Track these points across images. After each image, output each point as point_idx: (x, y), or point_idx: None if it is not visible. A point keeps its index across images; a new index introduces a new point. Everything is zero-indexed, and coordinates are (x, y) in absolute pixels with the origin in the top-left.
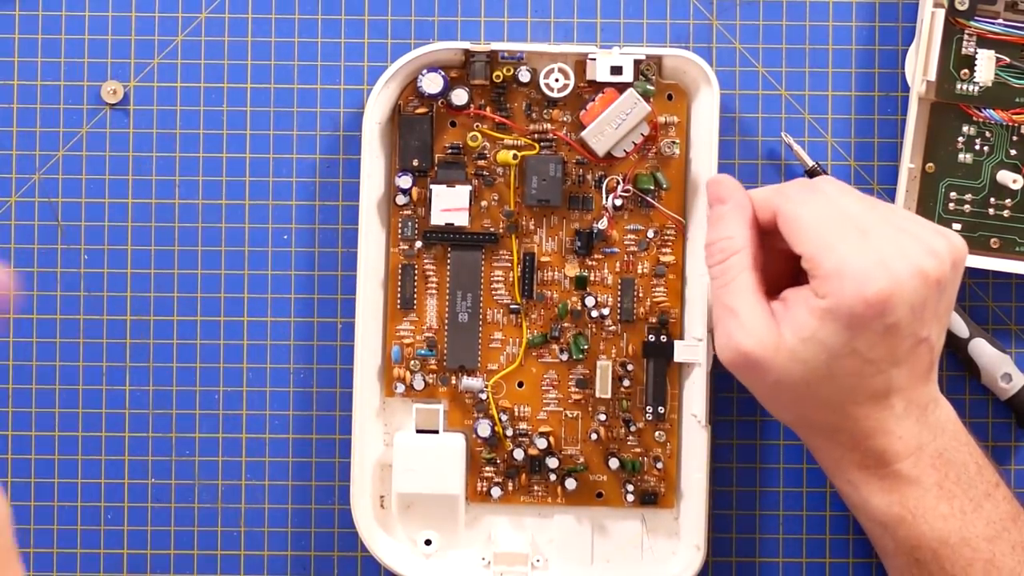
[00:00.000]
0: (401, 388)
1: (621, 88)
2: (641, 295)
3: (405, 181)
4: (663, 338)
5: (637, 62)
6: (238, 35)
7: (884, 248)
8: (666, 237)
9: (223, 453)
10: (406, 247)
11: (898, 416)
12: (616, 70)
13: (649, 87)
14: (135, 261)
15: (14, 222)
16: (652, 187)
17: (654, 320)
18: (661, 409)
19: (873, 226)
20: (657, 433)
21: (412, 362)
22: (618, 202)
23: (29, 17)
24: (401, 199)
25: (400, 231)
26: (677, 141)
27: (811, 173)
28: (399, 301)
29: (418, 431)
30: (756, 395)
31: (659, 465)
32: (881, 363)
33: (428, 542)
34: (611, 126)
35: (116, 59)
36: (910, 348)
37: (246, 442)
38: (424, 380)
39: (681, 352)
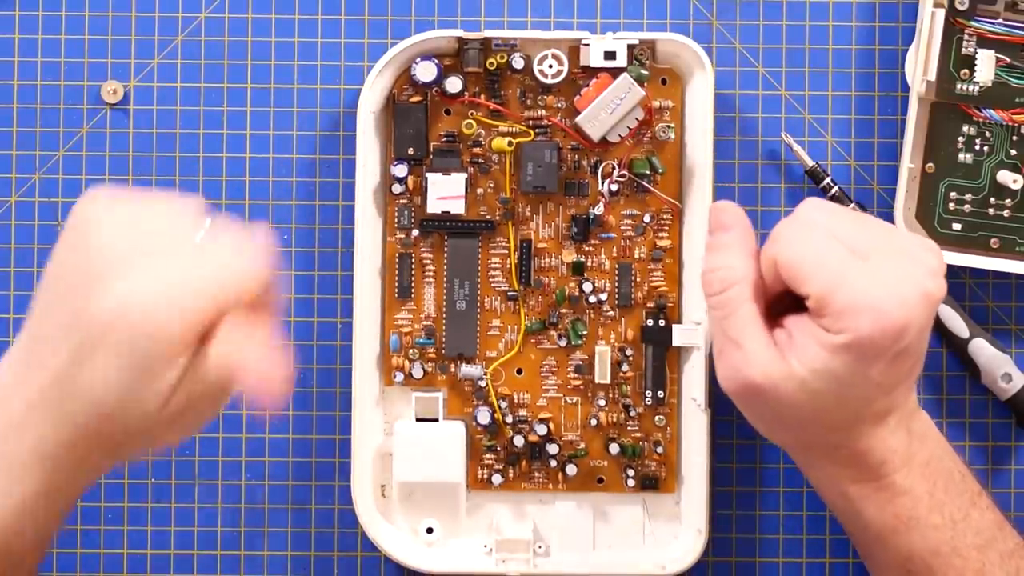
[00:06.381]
0: (400, 377)
1: (615, 73)
2: (638, 280)
3: (401, 170)
4: (661, 322)
5: (631, 47)
6: (238, 35)
7: (889, 274)
8: (663, 221)
9: (223, 453)
10: (403, 236)
11: (892, 429)
12: (610, 55)
13: (643, 72)
14: None
15: (14, 222)
16: (648, 172)
17: (652, 305)
18: (660, 393)
19: (870, 249)
20: (657, 417)
21: (411, 351)
22: (614, 187)
23: (29, 17)
24: (397, 188)
25: (396, 220)
26: (672, 125)
27: (811, 173)
28: (397, 290)
29: (418, 419)
30: (757, 421)
31: (659, 449)
32: (888, 385)
33: (430, 530)
34: (606, 111)
35: (116, 59)
36: (912, 366)
37: (246, 442)
38: (423, 368)
39: (680, 336)
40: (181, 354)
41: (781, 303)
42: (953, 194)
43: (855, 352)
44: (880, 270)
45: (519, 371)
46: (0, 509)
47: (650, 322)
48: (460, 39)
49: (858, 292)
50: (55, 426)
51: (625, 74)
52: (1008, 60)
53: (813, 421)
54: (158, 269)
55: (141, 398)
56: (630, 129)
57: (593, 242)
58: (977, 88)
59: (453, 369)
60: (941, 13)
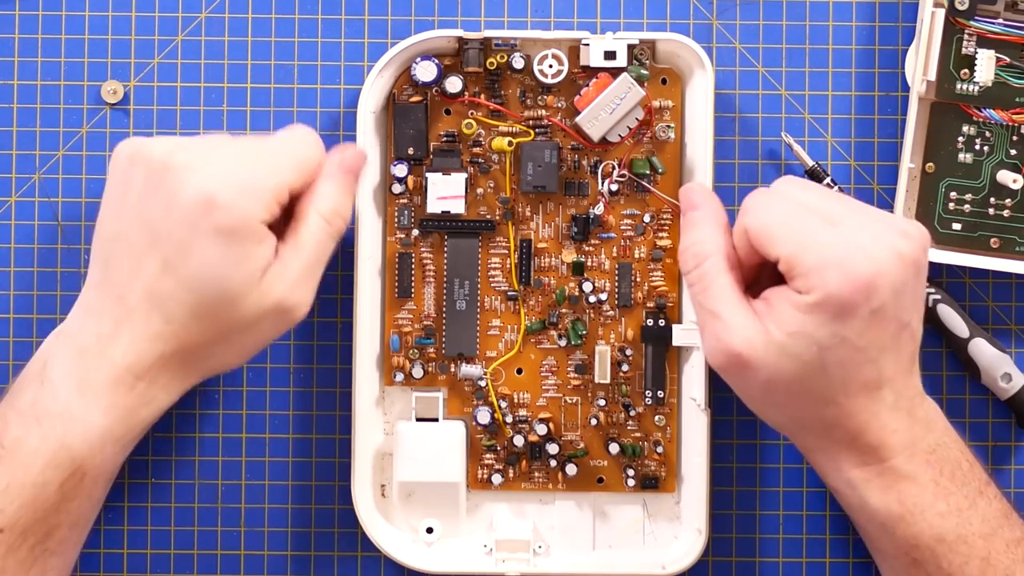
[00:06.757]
0: (400, 377)
1: (615, 73)
2: (638, 280)
3: (401, 169)
4: (661, 322)
5: (631, 47)
6: (238, 35)
7: (858, 235)
8: (663, 221)
9: (223, 453)
10: (403, 235)
11: (890, 408)
12: (610, 55)
13: (643, 72)
14: None
15: (14, 222)
16: (648, 172)
17: (652, 305)
18: (660, 393)
19: (840, 216)
20: (657, 417)
21: (411, 351)
22: (614, 187)
23: (29, 17)
24: (397, 188)
25: (396, 220)
26: (672, 125)
27: (811, 173)
28: (397, 290)
29: (418, 419)
30: (748, 398)
31: (659, 449)
32: (870, 350)
33: (430, 530)
34: (606, 111)
35: (116, 59)
36: (895, 334)
37: (246, 442)
38: (423, 368)
39: (680, 336)
40: (266, 234)
41: (763, 280)
42: (953, 194)
43: (828, 310)
44: (848, 231)
45: (519, 371)
46: (81, 429)
47: (650, 322)
48: (460, 39)
49: (825, 250)
50: (141, 345)
51: (625, 74)
52: (1008, 60)
53: (801, 393)
54: (224, 161)
55: (238, 283)
56: (630, 129)
57: (593, 242)
58: (977, 88)
59: (453, 369)
60: (941, 13)
